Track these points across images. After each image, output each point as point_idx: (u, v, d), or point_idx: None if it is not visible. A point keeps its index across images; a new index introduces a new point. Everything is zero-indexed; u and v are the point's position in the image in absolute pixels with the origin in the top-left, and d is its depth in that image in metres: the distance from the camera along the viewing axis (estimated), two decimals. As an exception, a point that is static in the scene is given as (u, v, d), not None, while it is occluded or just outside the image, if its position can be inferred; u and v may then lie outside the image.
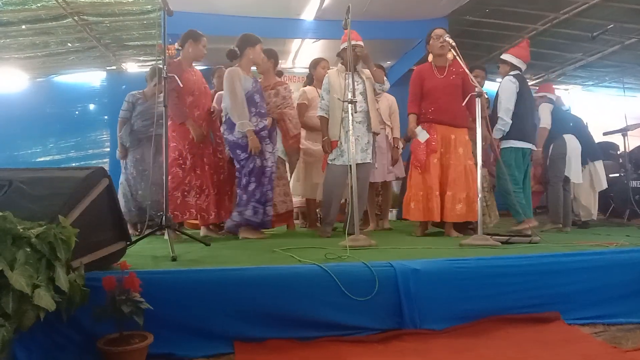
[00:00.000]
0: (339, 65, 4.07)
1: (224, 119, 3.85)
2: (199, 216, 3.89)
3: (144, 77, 4.76)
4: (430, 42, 3.94)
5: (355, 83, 3.82)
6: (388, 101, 4.76)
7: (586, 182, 5.00)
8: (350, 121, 3.18)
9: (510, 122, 4.15)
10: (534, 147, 4.46)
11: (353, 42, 3.84)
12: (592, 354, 1.80)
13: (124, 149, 4.47)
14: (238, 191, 3.80)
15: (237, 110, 3.67)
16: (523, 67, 4.39)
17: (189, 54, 3.96)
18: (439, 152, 3.83)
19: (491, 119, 4.17)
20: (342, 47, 4.02)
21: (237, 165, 3.80)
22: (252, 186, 3.72)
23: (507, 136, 4.21)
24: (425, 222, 4.03)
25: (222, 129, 3.91)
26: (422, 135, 3.87)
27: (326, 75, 4.11)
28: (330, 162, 3.94)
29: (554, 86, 6.00)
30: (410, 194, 3.94)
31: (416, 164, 3.88)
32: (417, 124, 3.96)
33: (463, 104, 3.70)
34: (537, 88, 5.38)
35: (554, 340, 1.96)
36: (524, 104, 4.24)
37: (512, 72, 4.33)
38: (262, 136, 3.78)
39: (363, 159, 3.83)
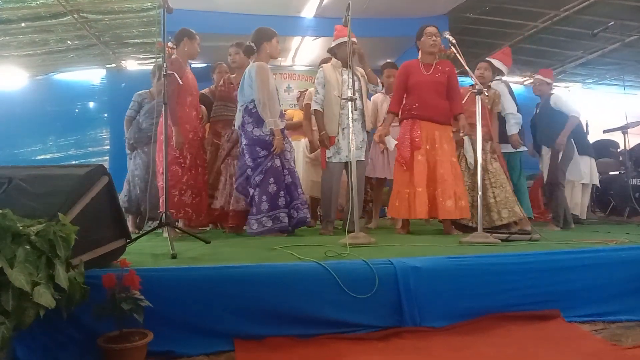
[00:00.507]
0: (333, 60, 4.06)
1: (243, 113, 3.73)
2: (194, 215, 3.89)
3: (147, 75, 4.77)
4: (422, 38, 3.87)
5: (350, 79, 3.82)
6: None
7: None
8: (350, 118, 3.17)
9: (521, 115, 4.32)
10: (524, 149, 4.66)
11: (353, 39, 3.84)
12: (592, 352, 1.80)
13: (131, 145, 4.52)
14: (250, 190, 3.71)
15: (270, 106, 3.62)
16: (506, 72, 4.60)
17: (184, 53, 3.87)
18: (423, 148, 3.76)
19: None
20: (334, 43, 4.01)
21: (251, 164, 3.68)
22: (272, 187, 3.63)
23: (499, 141, 4.33)
24: (407, 220, 3.99)
25: (242, 122, 3.75)
26: (390, 143, 3.84)
27: (320, 69, 4.08)
28: (327, 160, 3.93)
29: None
30: (394, 191, 3.89)
31: (401, 160, 3.81)
32: (401, 120, 3.93)
33: (463, 102, 3.69)
34: (538, 72, 5.23)
35: (554, 337, 1.96)
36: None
37: (497, 77, 4.53)
38: (283, 135, 3.76)
39: (358, 157, 3.83)
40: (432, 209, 3.74)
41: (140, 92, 4.57)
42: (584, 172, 5.00)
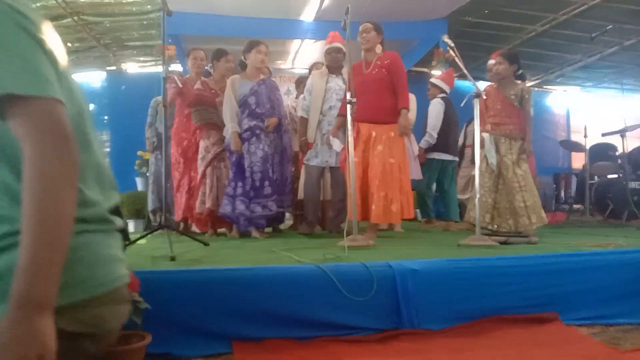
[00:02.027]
0: (323, 67, 4.15)
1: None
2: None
3: (147, 78, 4.88)
4: (358, 37, 3.75)
5: (337, 86, 3.88)
6: None
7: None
8: (349, 122, 3.18)
9: (436, 137, 4.95)
10: (456, 159, 5.25)
11: (336, 45, 4.09)
12: (591, 355, 1.80)
13: (151, 145, 4.72)
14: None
15: (226, 115, 3.92)
16: (448, 91, 5.17)
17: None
18: (359, 150, 3.57)
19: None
20: (326, 48, 4.12)
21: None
22: (232, 184, 3.89)
23: (432, 148, 4.99)
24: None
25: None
26: (335, 144, 3.71)
27: (311, 75, 4.25)
28: (305, 163, 4.06)
29: (550, 87, 6.04)
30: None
31: (343, 164, 3.69)
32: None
33: (462, 105, 3.69)
34: (442, 73, 5.53)
35: (552, 340, 1.96)
36: (449, 122, 5.00)
37: (440, 95, 5.05)
38: (244, 138, 3.88)
39: (337, 163, 3.90)
40: (364, 210, 3.59)
41: (156, 97, 4.71)
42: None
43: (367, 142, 3.60)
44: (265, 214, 3.84)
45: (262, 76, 4.08)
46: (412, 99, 4.80)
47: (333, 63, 4.12)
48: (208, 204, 4.13)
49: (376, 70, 3.62)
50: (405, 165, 3.67)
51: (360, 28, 3.72)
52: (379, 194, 3.46)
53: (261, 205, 3.82)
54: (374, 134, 3.58)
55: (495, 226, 3.78)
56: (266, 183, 3.85)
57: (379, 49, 3.73)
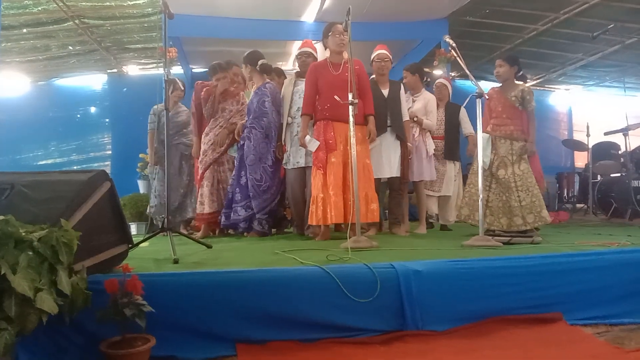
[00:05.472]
0: (293, 73, 4.21)
1: None
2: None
3: (148, 80, 4.86)
4: (329, 37, 3.71)
5: (303, 89, 3.86)
6: (425, 100, 4.56)
7: None
8: (351, 123, 3.17)
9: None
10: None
11: (307, 49, 4.24)
12: (595, 354, 1.80)
13: (157, 157, 4.68)
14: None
15: None
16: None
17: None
18: (338, 150, 3.59)
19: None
20: (297, 52, 4.31)
21: None
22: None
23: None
24: (326, 226, 3.67)
25: None
26: (312, 144, 3.63)
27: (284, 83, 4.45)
28: (285, 167, 4.14)
29: (552, 86, 5.92)
30: (312, 197, 3.68)
31: (318, 164, 3.63)
32: (315, 122, 3.77)
33: (463, 105, 3.69)
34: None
35: (556, 340, 1.96)
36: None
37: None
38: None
39: (307, 163, 3.92)
40: (347, 213, 3.52)
41: (158, 104, 4.68)
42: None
43: (346, 142, 3.57)
44: (235, 217, 4.07)
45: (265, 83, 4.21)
46: (432, 98, 4.61)
47: (303, 67, 4.17)
48: (207, 208, 4.25)
49: (348, 73, 3.45)
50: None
51: (340, 28, 3.67)
52: (360, 194, 3.43)
53: (233, 211, 4.10)
54: (349, 134, 3.47)
55: (486, 224, 3.75)
56: (237, 190, 4.11)
57: (346, 54, 3.72)
